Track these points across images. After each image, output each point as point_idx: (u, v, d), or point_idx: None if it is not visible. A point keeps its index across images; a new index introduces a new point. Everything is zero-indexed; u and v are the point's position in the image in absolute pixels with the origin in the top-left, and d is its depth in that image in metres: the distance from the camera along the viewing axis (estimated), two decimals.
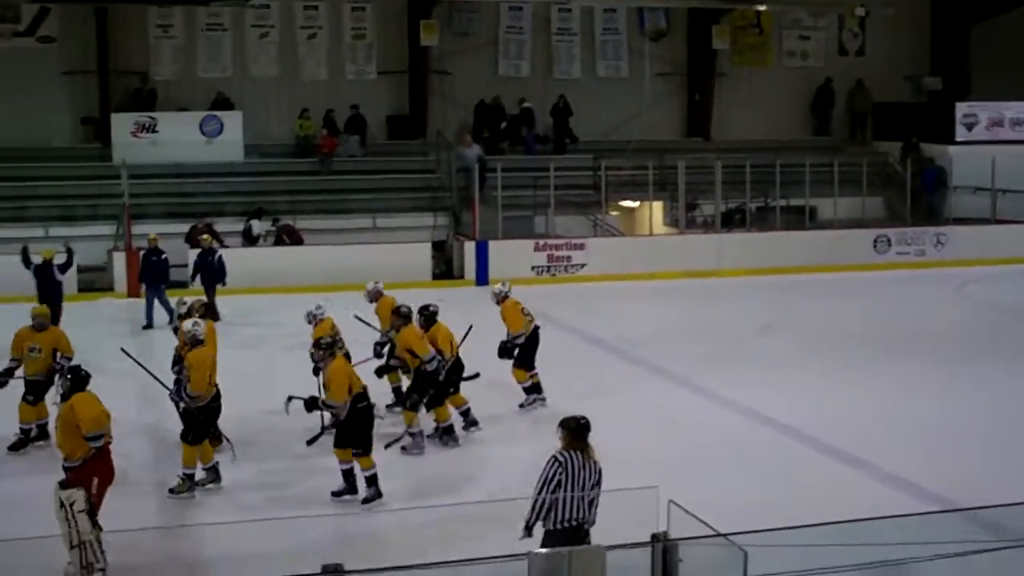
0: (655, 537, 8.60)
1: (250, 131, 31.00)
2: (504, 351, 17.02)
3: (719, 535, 8.57)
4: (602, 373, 19.50)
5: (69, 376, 11.91)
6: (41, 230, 27.45)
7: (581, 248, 28.89)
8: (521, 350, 17.04)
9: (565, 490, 9.49)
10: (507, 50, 34.51)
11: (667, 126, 35.56)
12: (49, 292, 21.50)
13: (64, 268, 22.36)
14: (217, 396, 13.76)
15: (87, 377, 11.82)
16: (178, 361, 14.11)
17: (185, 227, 27.37)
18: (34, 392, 15.07)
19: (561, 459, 9.59)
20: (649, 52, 34.95)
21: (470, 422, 15.87)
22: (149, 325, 22.99)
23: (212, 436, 14.00)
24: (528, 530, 9.64)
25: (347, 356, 14.97)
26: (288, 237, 28.39)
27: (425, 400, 15.12)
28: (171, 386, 14.07)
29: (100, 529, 10.62)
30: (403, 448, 14.92)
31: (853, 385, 18.41)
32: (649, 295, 26.74)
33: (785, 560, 8.58)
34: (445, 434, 15.35)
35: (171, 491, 13.27)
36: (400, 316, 15.50)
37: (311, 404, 13.52)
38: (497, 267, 27.95)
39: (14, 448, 14.97)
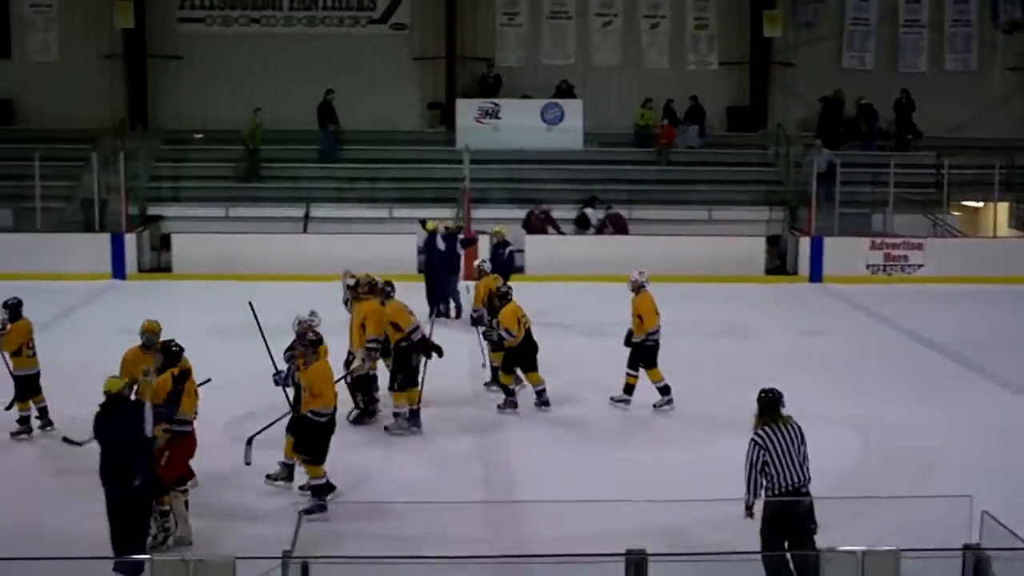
0: (967, 547, 8.43)
1: (590, 119, 31.37)
2: (640, 347, 16.44)
3: None
4: (933, 377, 18.98)
5: (161, 351, 11.99)
6: (386, 211, 28.63)
7: (919, 248, 28.05)
8: (651, 350, 16.49)
9: (772, 464, 9.86)
10: (852, 42, 33.81)
11: (1017, 123, 34.01)
12: (434, 264, 22.50)
13: (466, 243, 23.19)
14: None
15: (179, 352, 11.89)
16: (293, 347, 13.45)
17: (522, 213, 28.00)
18: None
19: (760, 440, 9.96)
20: (1002, 45, 33.67)
21: (543, 402, 16.32)
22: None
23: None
24: (749, 510, 9.97)
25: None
26: (613, 226, 28.60)
27: (401, 380, 15.23)
28: (279, 367, 13.68)
29: (183, 495, 11.52)
30: (386, 428, 15.27)
31: None
32: (989, 299, 25.73)
33: None
34: (411, 418, 15.38)
35: (301, 487, 12.94)
36: (374, 291, 15.69)
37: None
38: (832, 264, 27.55)
39: None
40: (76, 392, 13.10)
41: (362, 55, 32.68)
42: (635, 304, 16.42)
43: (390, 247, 25.81)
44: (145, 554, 10.13)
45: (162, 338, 12.72)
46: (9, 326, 14.90)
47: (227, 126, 31.01)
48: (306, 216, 28.90)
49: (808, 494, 10.03)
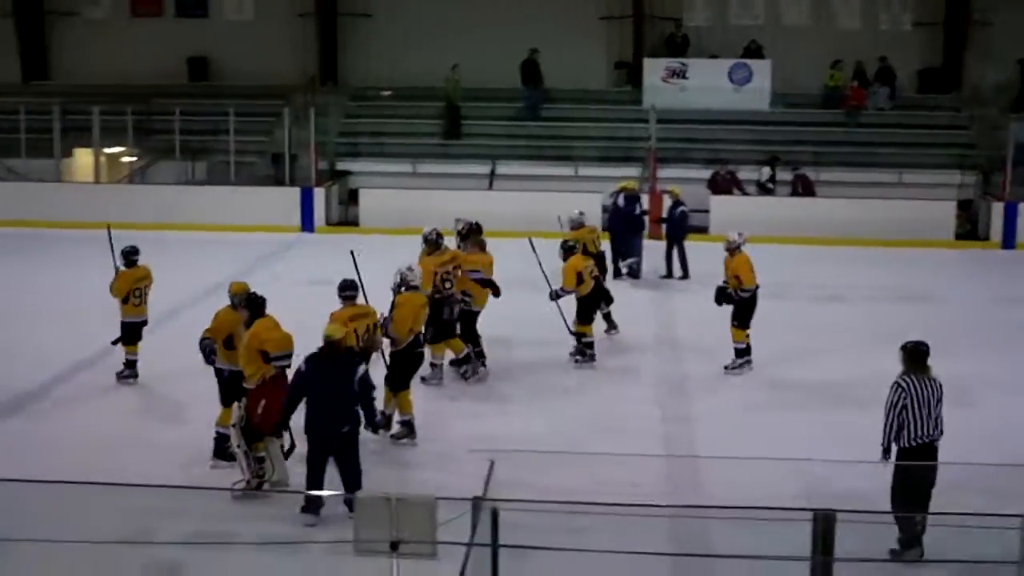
0: None
1: (778, 80, 30.94)
2: (724, 297, 16.28)
3: None
4: None
5: (246, 305, 12.16)
6: (571, 169, 28.70)
7: None
8: (745, 307, 16.23)
9: (910, 411, 10.12)
10: None
11: None
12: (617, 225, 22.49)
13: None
14: (416, 343, 13.68)
15: (263, 302, 12.15)
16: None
17: (707, 173, 27.82)
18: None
19: (904, 384, 10.21)
20: None
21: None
22: (668, 275, 22.88)
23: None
24: (885, 452, 10.27)
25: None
26: (802, 187, 28.20)
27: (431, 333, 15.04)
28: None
29: (278, 441, 11.57)
30: (423, 379, 15.03)
31: None
32: None
33: None
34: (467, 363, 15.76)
35: (393, 436, 13.34)
36: (426, 243, 15.90)
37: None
38: None
39: (219, 455, 12.62)
40: None
41: (550, 14, 32.67)
42: (732, 265, 16.25)
43: (574, 205, 25.78)
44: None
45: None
46: (122, 270, 15.36)
47: (414, 83, 31.42)
48: (492, 173, 29.13)
49: (936, 450, 10.23)
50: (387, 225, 26.59)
